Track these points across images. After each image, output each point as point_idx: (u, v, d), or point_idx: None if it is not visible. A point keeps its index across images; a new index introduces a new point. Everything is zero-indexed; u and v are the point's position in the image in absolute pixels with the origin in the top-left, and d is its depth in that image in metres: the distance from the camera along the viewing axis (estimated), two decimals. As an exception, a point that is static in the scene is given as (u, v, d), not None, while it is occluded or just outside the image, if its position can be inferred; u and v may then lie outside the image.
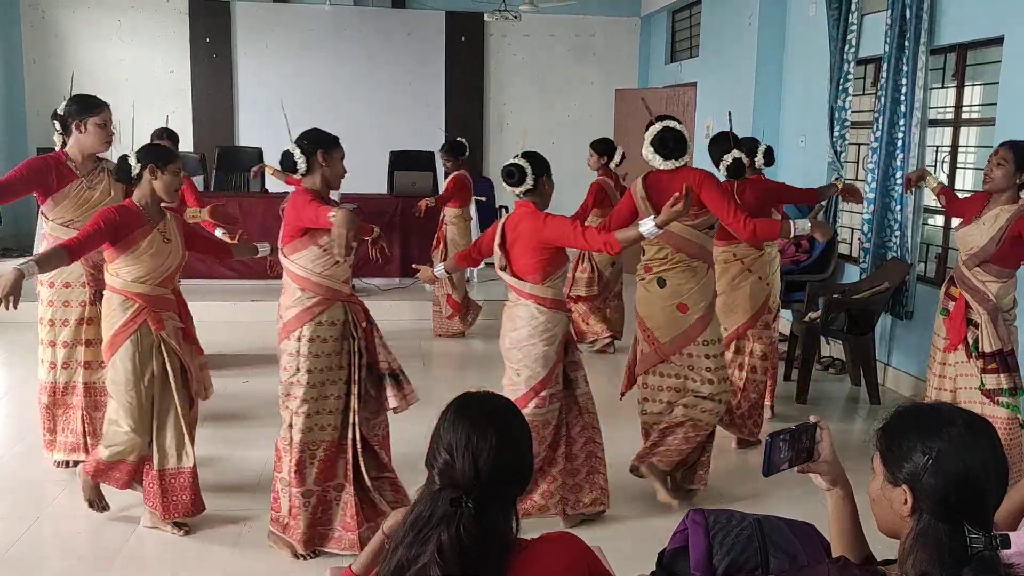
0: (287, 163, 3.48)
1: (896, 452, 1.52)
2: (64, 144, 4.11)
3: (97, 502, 3.74)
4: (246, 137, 10.77)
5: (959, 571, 1.44)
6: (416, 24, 11.13)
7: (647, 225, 3.37)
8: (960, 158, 5.74)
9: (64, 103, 3.91)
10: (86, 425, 4.13)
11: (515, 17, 9.28)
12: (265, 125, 10.91)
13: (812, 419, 1.78)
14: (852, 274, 6.58)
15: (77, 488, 4.03)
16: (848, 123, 6.60)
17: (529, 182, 3.65)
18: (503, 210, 10.00)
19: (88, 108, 4.01)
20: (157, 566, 3.50)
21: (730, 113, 4.89)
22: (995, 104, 5.23)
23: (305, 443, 3.43)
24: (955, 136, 5.72)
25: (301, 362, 3.40)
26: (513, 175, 3.65)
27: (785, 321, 6.26)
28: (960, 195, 5.05)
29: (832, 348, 6.51)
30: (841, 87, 6.58)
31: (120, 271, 3.52)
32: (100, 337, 3.67)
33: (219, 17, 10.74)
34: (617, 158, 6.68)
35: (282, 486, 3.48)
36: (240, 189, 9.22)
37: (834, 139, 6.65)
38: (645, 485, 4.15)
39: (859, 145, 6.80)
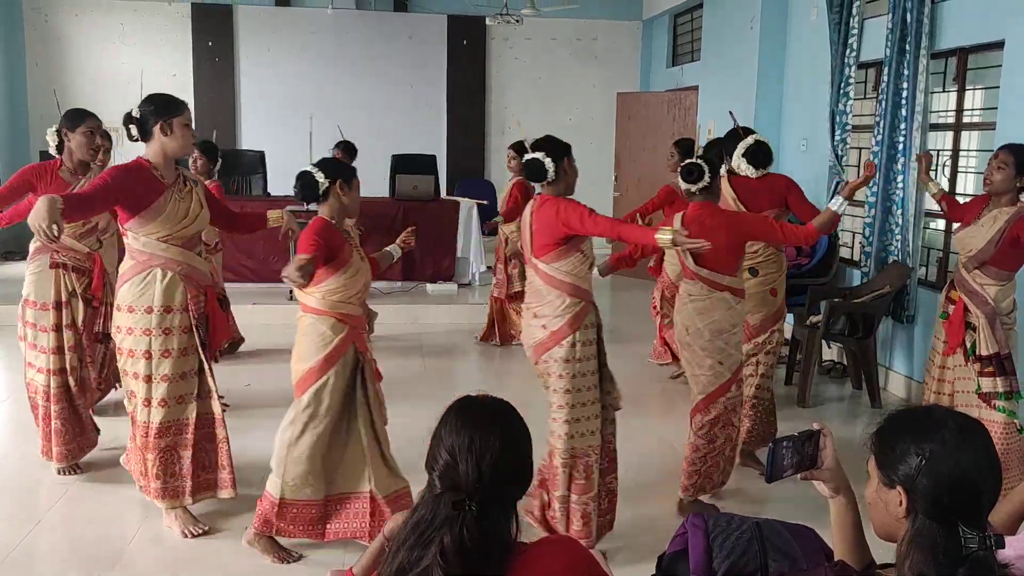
0: (536, 171, 3.44)
1: (890, 455, 1.54)
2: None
3: (282, 554, 3.49)
4: (248, 140, 10.79)
5: (954, 571, 1.45)
6: (418, 27, 11.15)
7: (838, 202, 3.77)
8: (961, 162, 5.74)
9: (140, 105, 3.58)
10: (202, 459, 3.71)
11: (517, 20, 9.30)
12: (267, 128, 10.98)
13: (815, 426, 1.79)
14: (853, 278, 6.58)
15: (78, 492, 4.05)
16: (849, 127, 6.60)
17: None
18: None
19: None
20: (158, 570, 3.50)
21: (731, 112, 4.88)
22: (996, 108, 5.23)
23: (572, 451, 3.42)
24: (956, 140, 5.72)
25: (576, 367, 3.39)
26: None
27: (786, 325, 6.26)
28: (961, 200, 5.07)
29: (833, 352, 6.51)
30: (842, 91, 6.59)
31: (326, 291, 3.37)
32: (201, 365, 3.60)
33: (221, 20, 10.77)
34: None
35: (560, 503, 3.45)
36: (242, 192, 9.24)
37: (835, 143, 6.65)
38: (646, 488, 4.15)
39: (860, 149, 6.80)
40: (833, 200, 3.79)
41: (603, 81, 11.57)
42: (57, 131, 4.18)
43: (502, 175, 11.47)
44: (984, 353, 3.98)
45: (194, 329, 3.57)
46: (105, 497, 4.05)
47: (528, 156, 3.47)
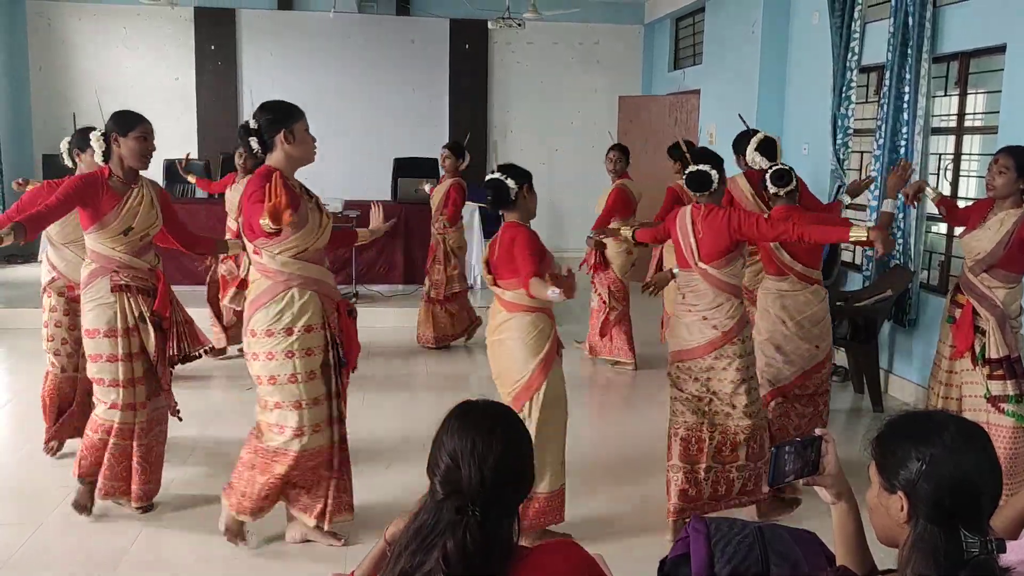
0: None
1: (891, 459, 1.54)
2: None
3: None
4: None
5: (956, 575, 1.44)
6: (420, 31, 11.17)
7: (887, 203, 4.12)
8: (963, 166, 5.74)
9: (256, 115, 3.45)
10: (340, 484, 3.63)
11: (519, 25, 9.31)
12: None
13: (818, 432, 1.79)
14: (855, 282, 6.58)
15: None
16: (851, 131, 6.61)
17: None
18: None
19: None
20: (160, 572, 3.50)
21: (741, 115, 4.89)
22: (997, 112, 5.23)
23: (753, 427, 3.79)
24: (958, 144, 5.72)
25: (749, 359, 3.75)
26: None
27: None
28: (964, 203, 5.06)
29: (835, 356, 6.50)
30: (844, 95, 6.59)
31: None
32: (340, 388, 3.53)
33: (224, 24, 10.80)
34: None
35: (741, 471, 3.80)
36: (244, 196, 9.23)
37: (837, 147, 6.65)
38: (646, 492, 4.14)
39: (862, 153, 6.80)
40: (885, 203, 4.10)
41: (605, 85, 11.58)
42: (104, 136, 3.67)
43: (504, 179, 11.49)
44: (994, 356, 3.98)
45: (332, 347, 3.46)
46: (106, 501, 4.05)
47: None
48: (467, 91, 11.38)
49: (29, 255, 8.93)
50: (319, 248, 3.45)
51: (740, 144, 5.02)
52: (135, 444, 3.79)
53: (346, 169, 7.57)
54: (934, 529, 1.47)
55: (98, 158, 3.69)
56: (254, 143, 3.39)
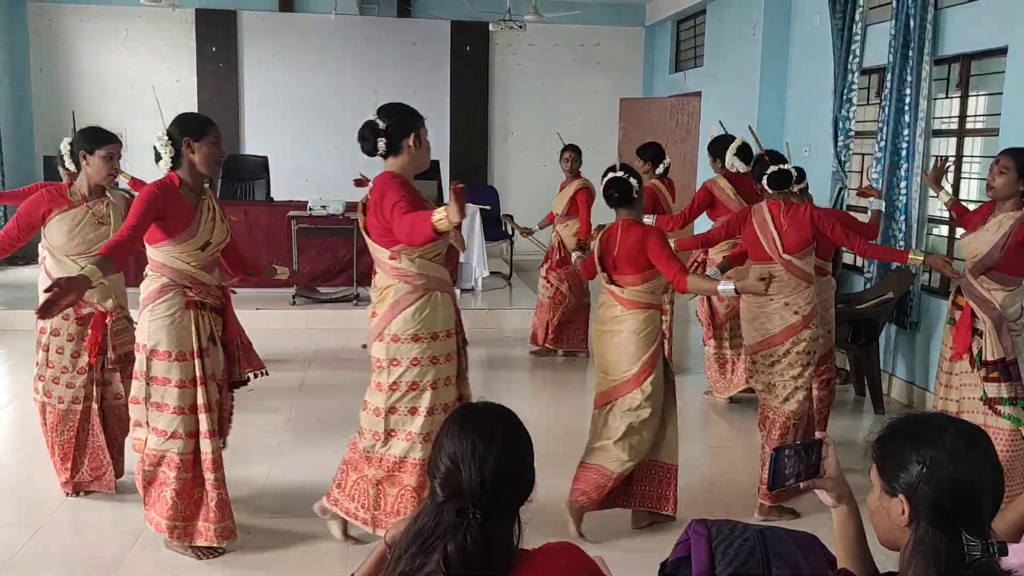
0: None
1: (891, 462, 1.53)
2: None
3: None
4: (252, 146, 10.80)
5: None
6: (421, 33, 11.17)
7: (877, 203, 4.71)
8: (964, 168, 5.74)
9: (383, 117, 3.40)
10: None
11: (520, 27, 9.31)
12: (270, 134, 10.99)
13: (818, 435, 1.79)
14: (856, 284, 6.58)
15: (80, 497, 4.04)
16: (852, 133, 6.61)
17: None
18: (509, 219, 9.99)
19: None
20: (161, 574, 3.50)
21: (750, 127, 4.90)
22: (999, 114, 5.23)
23: (798, 413, 4.06)
24: (959, 146, 5.72)
25: (817, 344, 4.13)
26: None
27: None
28: (964, 202, 5.05)
29: (836, 358, 6.49)
30: (845, 97, 6.59)
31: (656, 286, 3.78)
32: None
33: (225, 26, 10.80)
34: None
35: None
36: (246, 197, 9.25)
37: (838, 149, 6.65)
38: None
39: (863, 155, 6.80)
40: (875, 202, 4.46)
41: (606, 87, 11.58)
42: (171, 141, 3.48)
43: (505, 180, 11.49)
44: (990, 358, 3.97)
45: (460, 352, 3.48)
46: (107, 502, 4.06)
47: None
48: (468, 93, 11.38)
49: (31, 256, 8.92)
50: (443, 251, 3.47)
51: (717, 148, 5.69)
52: (212, 476, 3.43)
53: (346, 170, 7.55)
54: (935, 532, 1.47)
55: (165, 166, 3.43)
56: (381, 144, 3.32)
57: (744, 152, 5.44)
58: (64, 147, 4.02)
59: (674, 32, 11.08)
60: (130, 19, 10.59)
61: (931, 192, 4.59)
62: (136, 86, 10.66)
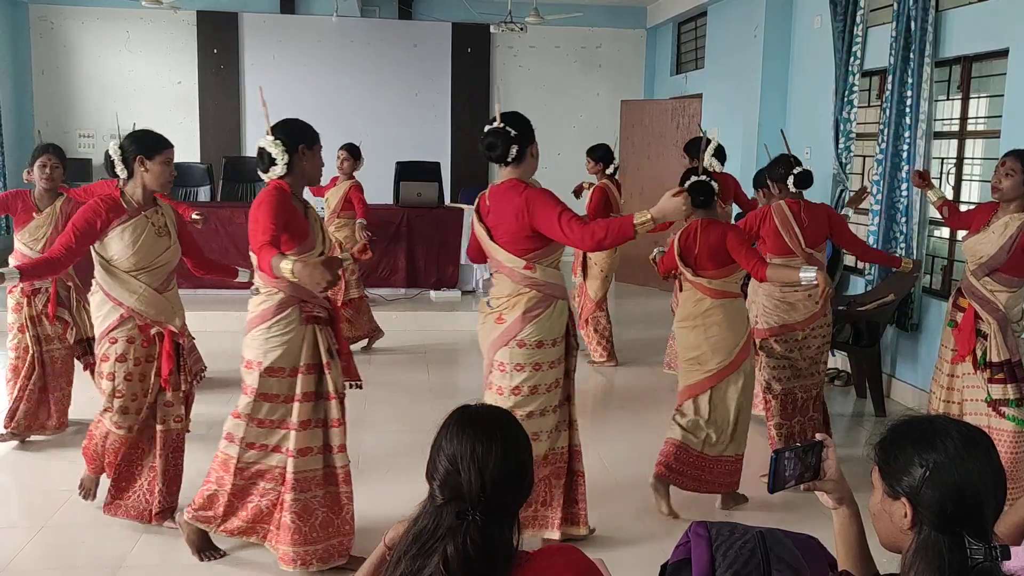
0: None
1: (894, 466, 1.53)
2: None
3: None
4: (253, 147, 10.75)
5: None
6: (422, 36, 11.18)
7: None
8: (966, 170, 5.74)
9: (510, 124, 3.41)
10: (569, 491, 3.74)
11: (521, 29, 9.31)
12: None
13: (818, 437, 1.79)
14: (858, 286, 6.57)
15: (81, 499, 4.04)
16: (853, 135, 6.60)
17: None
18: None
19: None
20: (160, 576, 3.50)
21: (782, 130, 4.97)
22: (1000, 116, 5.22)
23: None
24: (960, 148, 5.72)
25: (829, 331, 4.72)
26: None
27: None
28: (965, 207, 5.05)
29: (838, 360, 6.50)
30: (846, 99, 6.59)
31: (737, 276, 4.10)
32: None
33: (226, 28, 10.81)
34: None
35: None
36: (247, 198, 9.25)
37: (839, 151, 6.65)
38: (647, 497, 4.13)
39: (864, 157, 6.80)
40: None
41: (607, 89, 11.59)
42: (285, 148, 3.30)
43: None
44: (995, 360, 3.97)
45: (571, 354, 3.58)
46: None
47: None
48: (469, 95, 11.38)
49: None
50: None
51: (693, 148, 6.14)
52: (346, 489, 3.40)
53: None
54: (938, 536, 1.47)
55: (279, 171, 3.27)
56: (513, 151, 3.37)
57: (720, 152, 5.99)
58: (114, 151, 3.58)
59: (675, 34, 11.08)
60: (132, 21, 10.60)
61: (929, 194, 4.58)
62: (138, 88, 10.68)
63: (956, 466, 1.47)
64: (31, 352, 4.63)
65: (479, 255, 3.70)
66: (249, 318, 3.32)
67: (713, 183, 4.05)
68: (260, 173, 3.32)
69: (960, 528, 1.46)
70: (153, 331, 3.61)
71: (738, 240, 3.95)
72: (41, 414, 4.72)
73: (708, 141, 5.48)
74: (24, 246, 4.58)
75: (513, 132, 3.34)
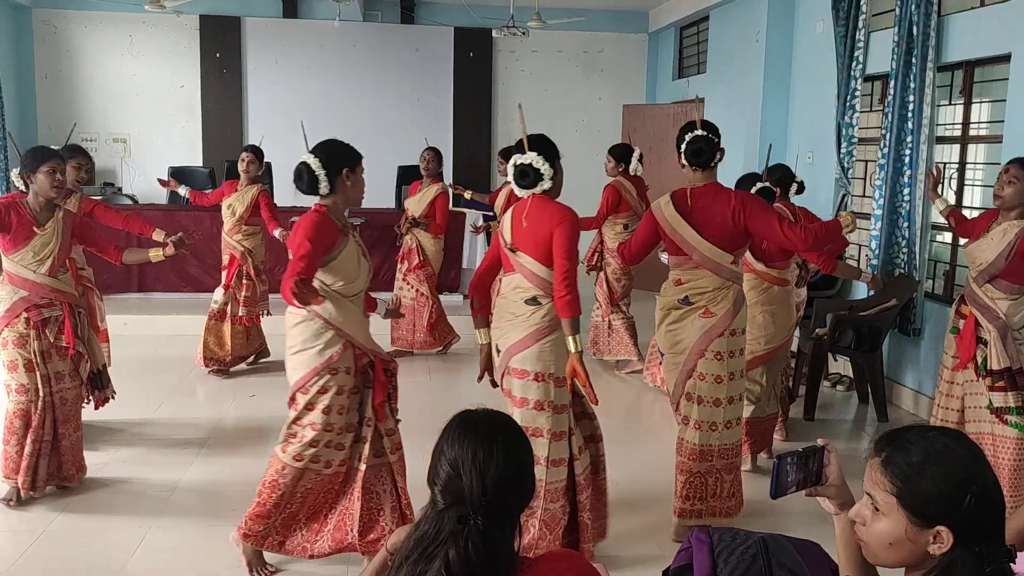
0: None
1: (923, 496, 1.48)
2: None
3: None
4: (255, 151, 10.81)
5: None
6: (425, 40, 11.19)
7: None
8: (968, 175, 5.73)
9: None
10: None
11: (523, 33, 9.33)
12: (274, 139, 11.01)
13: (820, 442, 1.77)
14: (860, 291, 6.56)
15: (79, 504, 4.04)
16: (855, 140, 6.60)
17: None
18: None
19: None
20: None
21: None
22: (1003, 121, 5.22)
23: None
24: (963, 153, 5.71)
25: None
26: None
27: (793, 338, 6.24)
28: (967, 211, 5.05)
29: (840, 365, 6.49)
30: (848, 103, 6.59)
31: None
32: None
33: (229, 32, 10.83)
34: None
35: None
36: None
37: (841, 155, 6.64)
38: (648, 502, 4.12)
39: (867, 162, 6.80)
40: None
41: (609, 93, 11.59)
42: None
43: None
44: (995, 367, 3.96)
45: None
46: (105, 510, 4.05)
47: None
48: (471, 99, 11.39)
49: None
50: None
51: (621, 153, 6.50)
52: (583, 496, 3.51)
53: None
54: (967, 553, 1.46)
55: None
56: (717, 156, 3.75)
57: (641, 159, 6.49)
58: (316, 165, 3.24)
59: (677, 38, 11.09)
60: (135, 25, 10.63)
61: (937, 203, 4.60)
62: (141, 92, 10.70)
63: (987, 484, 1.46)
64: (41, 395, 3.97)
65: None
66: (525, 335, 3.33)
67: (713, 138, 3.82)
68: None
69: (984, 538, 1.46)
70: (364, 361, 3.39)
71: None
72: (65, 467, 4.11)
73: (632, 149, 6.52)
74: (24, 268, 3.92)
75: (716, 139, 3.72)
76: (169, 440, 4.99)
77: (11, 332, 3.93)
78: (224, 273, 6.24)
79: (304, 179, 3.26)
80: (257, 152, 6.21)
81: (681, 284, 3.76)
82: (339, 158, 3.29)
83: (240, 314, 6.19)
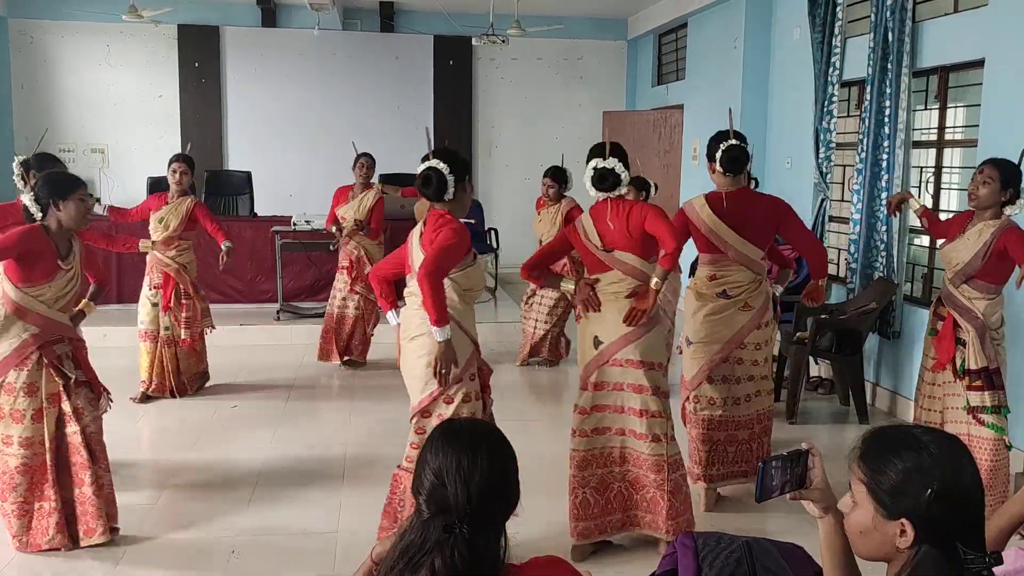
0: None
1: (888, 488, 1.51)
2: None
3: None
4: (235, 161, 10.77)
5: None
6: (404, 48, 11.19)
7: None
8: (944, 178, 5.80)
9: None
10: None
11: (503, 41, 9.34)
12: (254, 149, 10.96)
13: (804, 446, 1.78)
14: (839, 294, 6.61)
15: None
16: (833, 145, 6.66)
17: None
18: (492, 232, 10.00)
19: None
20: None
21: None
22: (977, 125, 5.29)
23: None
24: (939, 157, 5.77)
25: None
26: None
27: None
28: (945, 215, 5.10)
29: (821, 368, 6.53)
30: (826, 109, 6.65)
31: None
32: None
33: (208, 41, 10.78)
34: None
35: None
36: (229, 212, 9.22)
37: (819, 161, 6.70)
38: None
39: (844, 167, 6.86)
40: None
41: (589, 100, 11.63)
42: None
43: (489, 194, 11.49)
44: (973, 367, 4.00)
45: None
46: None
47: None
48: (452, 107, 11.40)
49: None
50: None
51: (560, 175, 6.78)
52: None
53: (329, 185, 7.60)
54: (935, 551, 1.47)
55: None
56: (749, 165, 4.13)
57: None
58: (446, 171, 3.40)
59: (656, 45, 11.15)
60: (112, 35, 10.56)
61: (911, 202, 4.63)
62: (119, 102, 10.63)
63: (953, 480, 1.46)
64: (47, 447, 3.55)
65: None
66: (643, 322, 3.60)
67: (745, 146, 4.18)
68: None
69: (957, 540, 1.46)
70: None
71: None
72: (85, 521, 3.66)
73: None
74: (39, 303, 3.51)
75: (747, 147, 4.10)
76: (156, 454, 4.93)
77: (20, 377, 3.49)
78: (159, 293, 5.80)
79: (432, 184, 3.40)
80: (189, 162, 5.87)
81: (715, 279, 4.15)
82: (461, 166, 3.48)
83: (183, 336, 5.82)
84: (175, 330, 5.83)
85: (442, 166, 3.40)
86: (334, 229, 6.78)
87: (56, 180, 3.59)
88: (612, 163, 3.61)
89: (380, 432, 5.32)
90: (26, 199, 3.58)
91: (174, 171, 5.80)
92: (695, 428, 4.24)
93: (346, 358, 6.79)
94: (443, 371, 3.22)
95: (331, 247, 6.94)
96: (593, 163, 3.65)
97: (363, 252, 6.72)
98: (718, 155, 4.09)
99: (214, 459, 4.86)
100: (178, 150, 10.80)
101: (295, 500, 4.29)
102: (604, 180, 3.64)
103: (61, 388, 3.56)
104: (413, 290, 3.48)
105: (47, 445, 3.54)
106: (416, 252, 3.49)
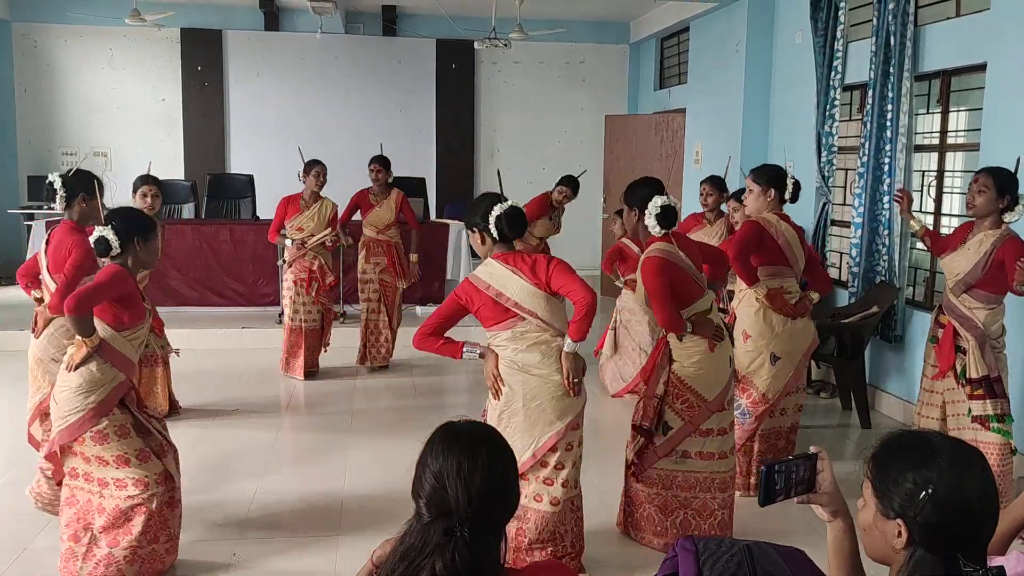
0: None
1: (889, 485, 1.51)
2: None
3: None
4: (237, 164, 10.80)
5: None
6: (407, 52, 11.21)
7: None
8: (946, 182, 5.79)
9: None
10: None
11: (505, 45, 9.35)
12: (256, 152, 10.97)
13: (813, 449, 1.77)
14: (841, 298, 6.61)
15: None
16: (835, 148, 6.66)
17: None
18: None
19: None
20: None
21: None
22: (979, 129, 5.28)
23: None
24: (940, 161, 5.77)
25: None
26: None
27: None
28: (947, 219, 5.11)
29: (822, 372, 6.52)
30: (828, 113, 6.65)
31: None
32: None
33: (210, 45, 10.80)
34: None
35: None
36: (231, 216, 9.23)
37: (821, 164, 6.70)
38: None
39: (846, 170, 6.86)
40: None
41: (591, 104, 11.64)
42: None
43: (491, 198, 11.50)
44: (974, 376, 4.00)
45: None
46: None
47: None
48: (454, 111, 11.41)
49: (10, 276, 8.86)
50: None
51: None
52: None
53: (332, 189, 7.60)
54: (931, 558, 1.46)
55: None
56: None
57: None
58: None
59: (658, 49, 11.15)
60: (115, 39, 10.58)
61: (912, 224, 4.63)
62: (121, 106, 10.65)
63: (955, 489, 1.45)
64: (167, 479, 3.42)
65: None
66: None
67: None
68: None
69: (955, 550, 1.45)
70: None
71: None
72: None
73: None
74: (132, 349, 3.38)
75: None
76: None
77: (111, 423, 3.31)
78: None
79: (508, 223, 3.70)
80: (160, 184, 5.33)
81: (789, 294, 4.36)
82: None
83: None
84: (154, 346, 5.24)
85: (676, 202, 3.81)
86: (289, 243, 6.36)
87: (140, 219, 3.46)
88: (672, 200, 3.75)
89: (381, 434, 5.32)
90: (106, 233, 3.30)
91: (144, 195, 5.18)
92: (763, 443, 4.48)
93: (369, 364, 6.79)
94: (575, 380, 3.42)
95: (280, 263, 6.62)
96: (656, 201, 3.70)
97: (321, 263, 6.45)
98: (789, 184, 4.40)
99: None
100: (181, 153, 10.91)
101: (294, 506, 4.29)
102: (667, 217, 3.73)
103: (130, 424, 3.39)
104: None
105: (168, 476, 3.41)
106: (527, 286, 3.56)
